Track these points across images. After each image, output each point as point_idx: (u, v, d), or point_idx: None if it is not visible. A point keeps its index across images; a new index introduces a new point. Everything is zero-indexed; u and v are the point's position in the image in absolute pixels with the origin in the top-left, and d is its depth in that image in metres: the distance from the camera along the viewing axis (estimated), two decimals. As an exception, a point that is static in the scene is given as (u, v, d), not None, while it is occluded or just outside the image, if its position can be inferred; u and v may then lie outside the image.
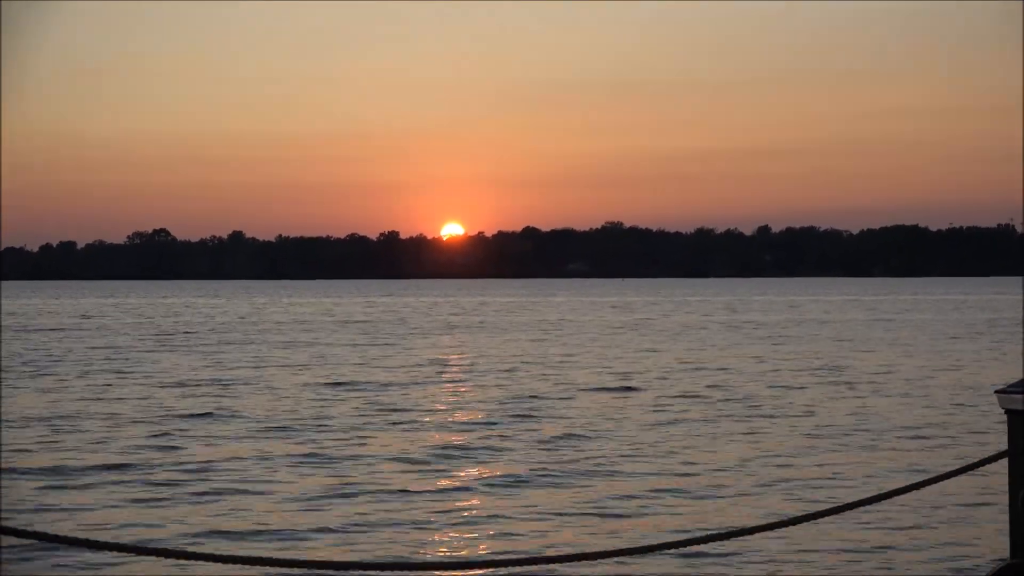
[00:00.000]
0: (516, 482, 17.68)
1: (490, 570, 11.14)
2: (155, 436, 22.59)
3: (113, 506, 15.93)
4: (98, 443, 21.66)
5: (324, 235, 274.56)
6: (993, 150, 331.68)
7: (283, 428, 23.85)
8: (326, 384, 33.29)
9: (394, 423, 24.80)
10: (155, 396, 30.08)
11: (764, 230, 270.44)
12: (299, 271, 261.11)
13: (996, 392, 7.12)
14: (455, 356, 45.33)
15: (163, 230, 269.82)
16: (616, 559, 12.11)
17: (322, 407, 27.60)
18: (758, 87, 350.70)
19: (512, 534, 14.22)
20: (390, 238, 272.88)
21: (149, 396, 30.09)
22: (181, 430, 23.47)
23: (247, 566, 10.11)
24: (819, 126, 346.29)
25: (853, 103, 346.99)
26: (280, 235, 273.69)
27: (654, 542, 7.08)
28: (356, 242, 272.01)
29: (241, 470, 18.70)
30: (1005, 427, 6.85)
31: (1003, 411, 6.97)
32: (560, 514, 15.27)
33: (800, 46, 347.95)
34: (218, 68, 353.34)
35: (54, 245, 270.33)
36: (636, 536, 13.94)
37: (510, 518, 15.11)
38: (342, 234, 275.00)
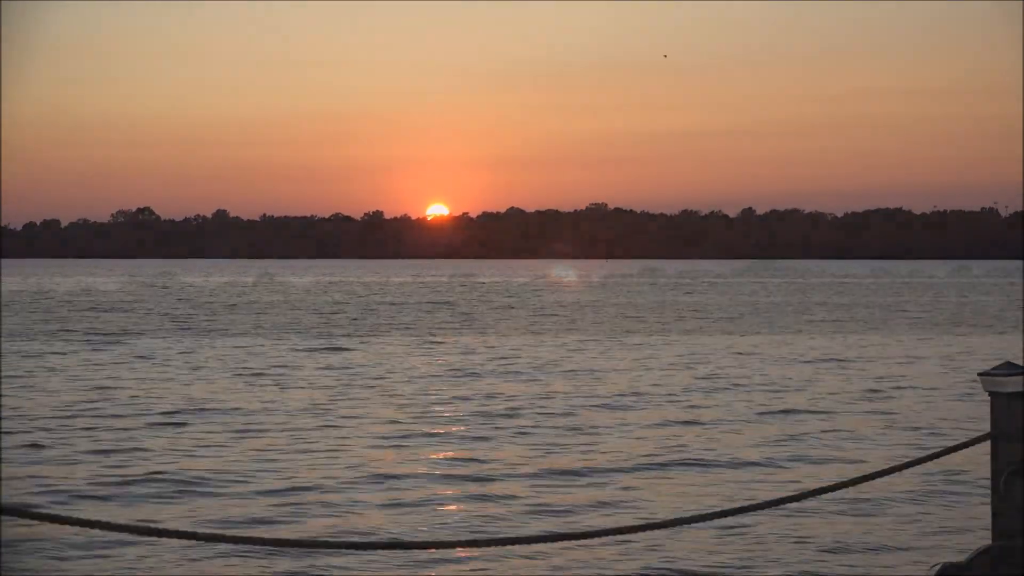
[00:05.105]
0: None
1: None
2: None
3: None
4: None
5: (308, 215, 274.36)
6: (978, 133, 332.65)
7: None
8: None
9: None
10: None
11: (748, 212, 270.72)
12: (283, 250, 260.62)
13: (979, 375, 7.08)
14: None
15: (147, 208, 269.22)
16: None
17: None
18: (743, 68, 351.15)
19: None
20: (374, 218, 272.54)
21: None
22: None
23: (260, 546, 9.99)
24: (804, 107, 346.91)
25: (838, 84, 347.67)
26: (264, 214, 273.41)
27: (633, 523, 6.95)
28: (340, 222, 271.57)
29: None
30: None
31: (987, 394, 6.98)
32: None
33: (784, 26, 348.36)
34: (201, 48, 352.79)
35: (38, 223, 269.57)
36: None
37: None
38: (326, 214, 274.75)
